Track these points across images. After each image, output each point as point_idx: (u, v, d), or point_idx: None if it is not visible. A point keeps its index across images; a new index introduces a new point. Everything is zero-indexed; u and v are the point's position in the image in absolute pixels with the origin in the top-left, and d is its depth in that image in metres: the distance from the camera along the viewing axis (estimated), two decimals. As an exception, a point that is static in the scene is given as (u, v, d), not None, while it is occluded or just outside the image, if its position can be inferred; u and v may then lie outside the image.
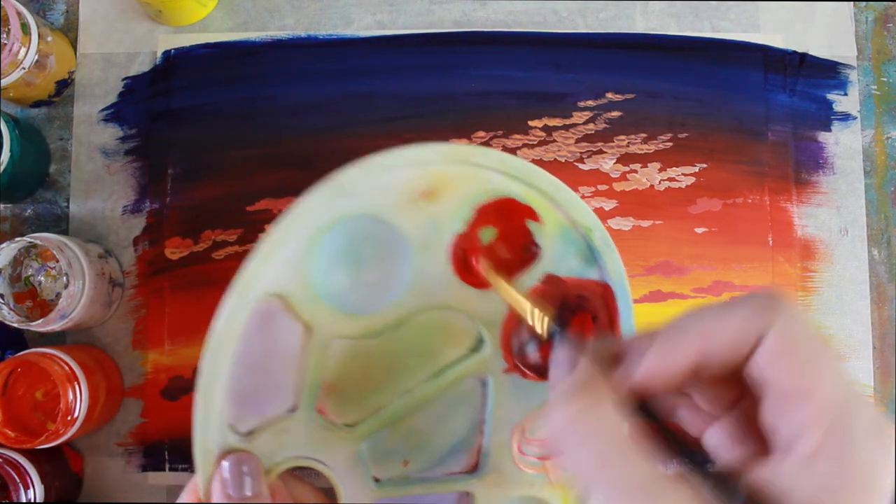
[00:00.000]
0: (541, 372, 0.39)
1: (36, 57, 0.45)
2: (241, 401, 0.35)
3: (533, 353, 0.39)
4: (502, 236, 0.38)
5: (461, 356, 0.38)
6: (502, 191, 0.37)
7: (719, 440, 0.27)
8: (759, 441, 0.25)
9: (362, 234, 0.36)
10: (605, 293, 0.38)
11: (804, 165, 0.50)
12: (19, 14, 0.43)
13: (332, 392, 0.37)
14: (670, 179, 0.49)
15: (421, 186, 0.36)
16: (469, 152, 0.36)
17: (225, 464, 0.34)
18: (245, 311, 0.35)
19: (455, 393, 0.38)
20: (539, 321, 0.33)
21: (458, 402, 0.39)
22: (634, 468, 0.23)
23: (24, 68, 0.44)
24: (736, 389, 0.26)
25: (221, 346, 0.34)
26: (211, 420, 0.34)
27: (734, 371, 0.25)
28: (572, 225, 0.38)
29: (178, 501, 0.35)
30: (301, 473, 0.44)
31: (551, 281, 0.38)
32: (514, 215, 0.37)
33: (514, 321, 0.38)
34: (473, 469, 0.39)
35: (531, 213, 0.37)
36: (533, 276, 0.38)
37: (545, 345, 0.39)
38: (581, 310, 0.39)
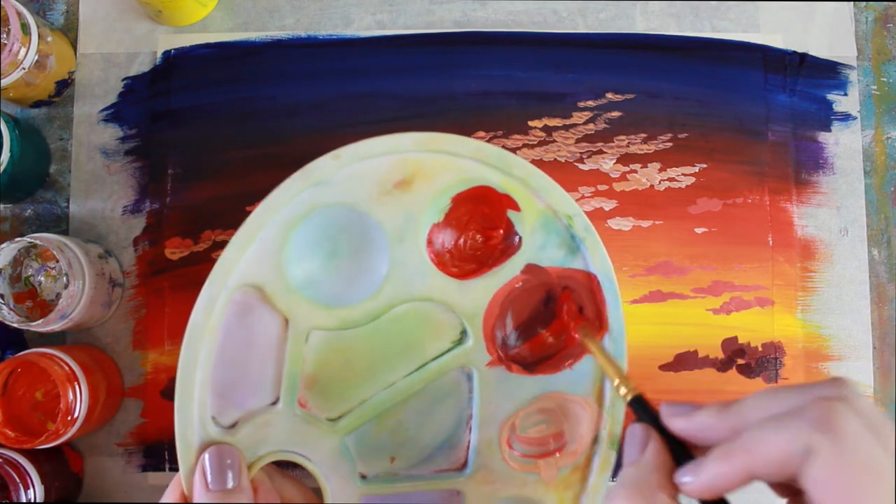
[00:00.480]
0: (526, 365, 0.38)
1: (36, 57, 0.45)
2: (223, 393, 0.35)
3: (518, 347, 0.38)
4: (482, 225, 0.37)
5: (445, 349, 0.38)
6: (479, 179, 0.36)
7: None
8: None
9: (337, 225, 0.36)
10: (591, 283, 0.38)
11: (804, 165, 0.50)
12: (19, 14, 0.43)
13: (313, 385, 0.37)
14: (670, 179, 0.49)
15: (396, 176, 0.36)
16: (444, 140, 0.36)
17: (206, 456, 0.34)
18: (221, 302, 0.35)
19: (441, 387, 0.38)
20: (624, 392, 0.32)
21: (444, 397, 0.38)
22: None
23: (24, 68, 0.44)
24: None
25: (198, 337, 0.34)
26: (191, 411, 0.34)
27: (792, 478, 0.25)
28: (553, 213, 0.37)
29: (163, 498, 0.35)
30: (290, 471, 0.44)
31: (533, 270, 0.37)
32: (492, 204, 0.37)
33: (496, 313, 0.37)
34: (462, 466, 0.39)
35: (510, 202, 0.37)
36: (514, 266, 0.37)
37: (530, 338, 0.39)
38: (566, 302, 0.38)
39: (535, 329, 0.39)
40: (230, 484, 0.34)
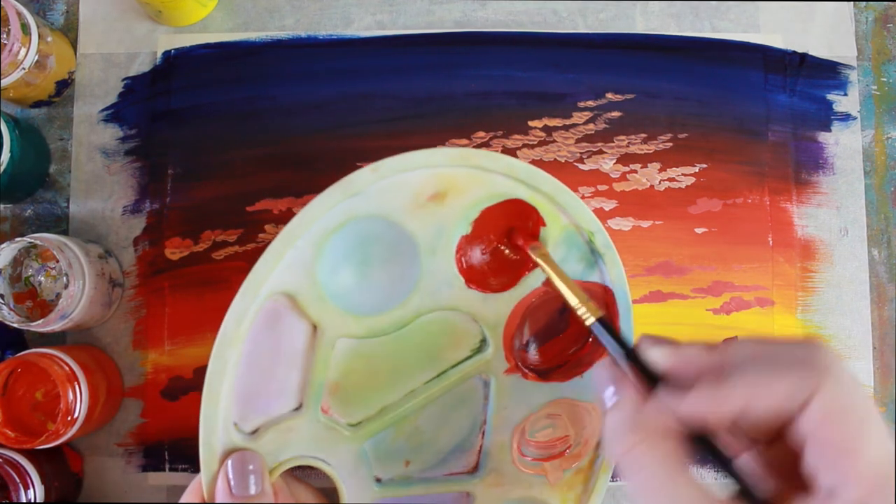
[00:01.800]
0: (540, 373, 0.39)
1: (36, 57, 0.45)
2: (247, 400, 0.35)
3: (533, 355, 0.39)
4: (507, 239, 0.38)
5: (465, 357, 0.38)
6: (508, 194, 0.37)
7: (752, 466, 0.28)
8: (792, 477, 0.26)
9: (371, 236, 0.36)
10: (606, 295, 0.39)
11: (804, 165, 0.50)
12: (19, 14, 0.43)
13: (337, 392, 0.37)
14: (670, 179, 0.49)
15: (430, 189, 0.36)
16: (478, 156, 0.36)
17: (229, 462, 0.34)
18: (253, 310, 0.35)
19: (458, 394, 0.38)
20: (585, 316, 0.32)
21: (460, 403, 0.39)
22: (685, 496, 0.25)
23: (24, 68, 0.44)
24: (776, 427, 0.26)
25: (229, 345, 0.34)
26: (216, 419, 0.34)
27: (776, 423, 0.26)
28: (576, 228, 0.38)
29: (182, 499, 0.35)
30: (300, 474, 0.44)
31: (550, 288, 0.38)
32: (519, 218, 0.37)
33: (516, 323, 0.38)
34: (474, 469, 0.39)
35: (536, 216, 0.37)
36: (536, 279, 0.38)
37: (545, 346, 0.39)
38: None
39: (549, 338, 0.39)
40: (253, 490, 0.34)
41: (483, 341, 0.38)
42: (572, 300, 0.33)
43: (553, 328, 0.39)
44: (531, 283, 0.38)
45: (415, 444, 0.38)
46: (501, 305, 0.37)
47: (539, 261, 0.36)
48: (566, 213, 0.37)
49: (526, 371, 0.38)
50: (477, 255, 0.38)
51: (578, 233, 0.38)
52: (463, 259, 0.37)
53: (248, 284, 0.34)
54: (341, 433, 0.37)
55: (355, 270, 0.36)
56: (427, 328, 0.37)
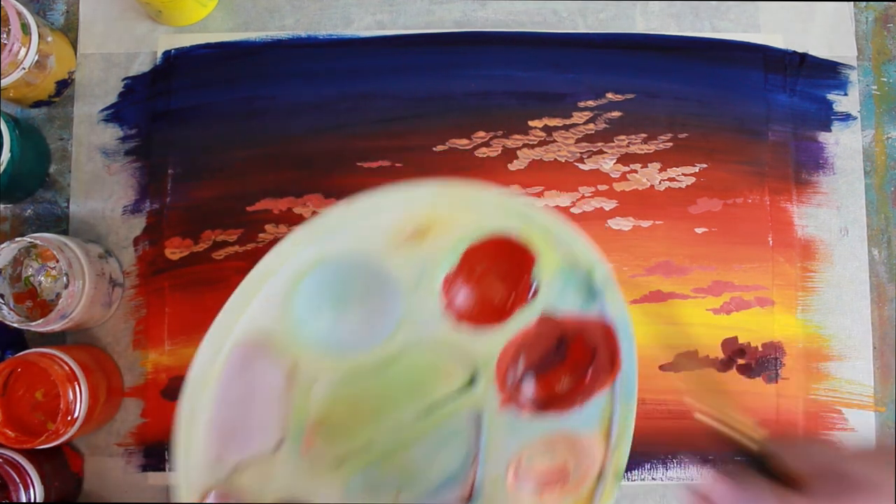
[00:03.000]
0: (537, 405, 0.38)
1: (36, 57, 0.45)
2: (225, 437, 0.35)
3: (529, 388, 0.38)
4: (497, 274, 0.37)
5: (453, 392, 0.37)
6: (498, 228, 0.35)
7: None
8: None
9: (349, 274, 0.35)
10: (607, 328, 0.38)
11: (804, 165, 0.50)
12: (19, 14, 0.43)
13: (320, 427, 0.36)
14: (670, 179, 0.49)
15: (411, 226, 0.35)
16: (465, 195, 0.34)
17: (209, 500, 0.34)
18: (223, 354, 0.34)
19: (449, 427, 0.38)
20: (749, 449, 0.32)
21: (451, 436, 0.38)
22: None
23: (24, 68, 0.44)
24: None
25: (199, 390, 0.34)
26: (194, 460, 0.34)
27: None
28: (573, 261, 0.37)
29: None
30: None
31: (546, 322, 0.37)
32: (509, 253, 0.36)
33: (510, 357, 0.37)
34: (467, 500, 0.39)
35: (526, 254, 0.36)
36: (530, 313, 0.37)
37: (541, 380, 0.39)
38: (580, 344, 0.38)
39: (546, 371, 0.39)
40: None
41: (473, 376, 0.37)
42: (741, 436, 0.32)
43: (549, 361, 0.39)
44: (524, 317, 0.37)
45: (406, 477, 0.38)
46: (492, 340, 0.37)
47: (701, 416, 0.34)
48: (562, 247, 0.36)
49: (521, 405, 0.38)
50: (464, 292, 0.37)
51: (576, 265, 0.37)
52: (450, 295, 0.36)
53: (214, 329, 0.34)
54: (325, 470, 0.36)
55: (334, 309, 0.35)
56: (412, 363, 0.37)
